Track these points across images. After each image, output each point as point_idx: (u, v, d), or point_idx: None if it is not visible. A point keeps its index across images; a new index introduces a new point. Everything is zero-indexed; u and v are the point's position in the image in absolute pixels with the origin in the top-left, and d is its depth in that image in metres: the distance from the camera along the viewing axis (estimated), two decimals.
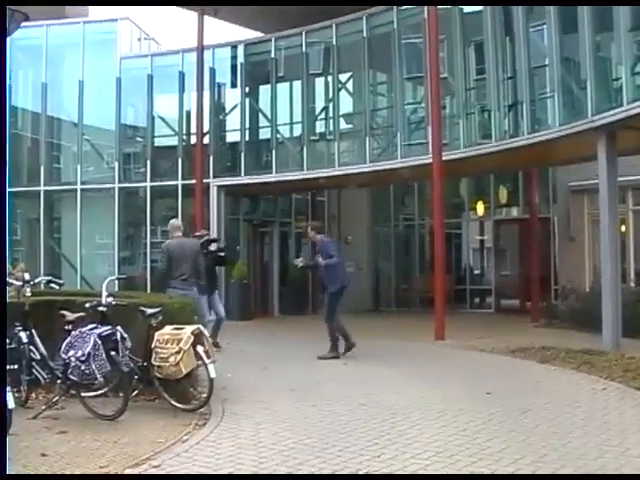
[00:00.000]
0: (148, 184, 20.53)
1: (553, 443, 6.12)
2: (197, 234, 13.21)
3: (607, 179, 12.34)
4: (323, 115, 20.26)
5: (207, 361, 7.38)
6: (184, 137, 21.09)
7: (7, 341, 6.92)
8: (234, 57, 20.74)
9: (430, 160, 14.97)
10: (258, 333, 16.30)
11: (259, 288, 21.19)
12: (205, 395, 7.48)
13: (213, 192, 19.74)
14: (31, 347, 7.37)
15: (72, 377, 7.02)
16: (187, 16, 20.35)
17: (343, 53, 18.96)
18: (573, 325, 15.06)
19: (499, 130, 15.57)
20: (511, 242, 23.25)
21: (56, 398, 7.30)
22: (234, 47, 20.74)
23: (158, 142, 21.57)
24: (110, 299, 7.68)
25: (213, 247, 12.93)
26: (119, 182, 20.66)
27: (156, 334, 7.45)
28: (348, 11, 18.09)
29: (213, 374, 7.32)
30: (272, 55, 19.83)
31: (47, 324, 7.73)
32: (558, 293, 18.59)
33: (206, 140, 20.05)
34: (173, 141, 21.19)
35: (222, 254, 13.51)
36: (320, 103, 20.26)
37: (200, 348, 7.41)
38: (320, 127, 20.51)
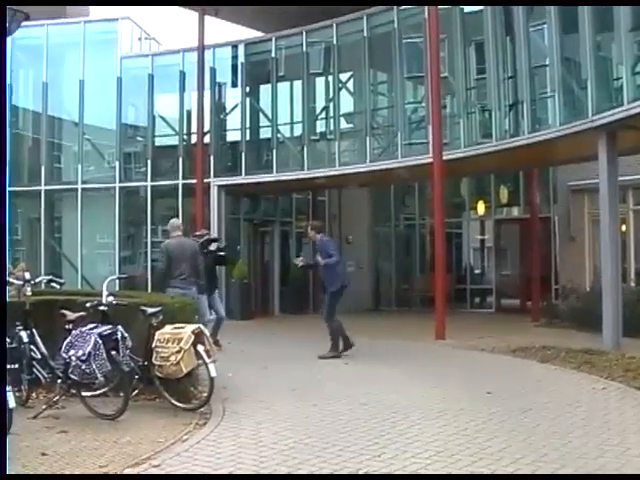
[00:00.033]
0: (149, 183, 20.54)
1: (553, 443, 6.12)
2: (197, 234, 13.22)
3: (607, 179, 12.34)
4: (323, 115, 20.26)
5: (208, 360, 7.38)
6: (185, 137, 21.09)
7: (8, 340, 6.93)
8: (235, 57, 20.73)
9: (431, 160, 14.98)
10: (259, 332, 16.31)
11: (260, 288, 21.19)
12: (206, 394, 7.48)
13: (214, 192, 19.75)
14: (32, 346, 7.37)
15: (73, 376, 7.02)
16: (188, 16, 20.33)
17: (344, 53, 18.95)
18: (573, 325, 15.06)
19: (499, 130, 15.57)
20: (512, 242, 23.25)
21: (56, 397, 7.30)
22: (235, 47, 20.73)
23: (159, 142, 21.59)
24: (111, 298, 7.68)
25: (213, 247, 12.93)
26: (120, 182, 20.67)
27: (157, 333, 7.46)
28: (348, 11, 18.09)
29: (214, 373, 7.32)
30: (273, 55, 19.83)
31: (48, 323, 7.73)
32: (558, 293, 18.60)
33: (207, 140, 20.05)
34: (174, 141, 21.19)
35: (222, 254, 13.51)
36: (320, 103, 20.26)
37: (201, 347, 7.42)
38: (320, 127, 20.50)
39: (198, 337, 7.45)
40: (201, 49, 19.33)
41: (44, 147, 21.20)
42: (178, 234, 11.02)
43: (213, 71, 20.21)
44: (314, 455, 5.80)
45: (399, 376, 9.85)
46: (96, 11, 24.61)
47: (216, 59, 20.29)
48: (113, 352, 7.06)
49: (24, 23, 8.19)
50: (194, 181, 19.36)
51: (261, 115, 20.74)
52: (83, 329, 7.18)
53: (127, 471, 5.35)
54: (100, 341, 7.00)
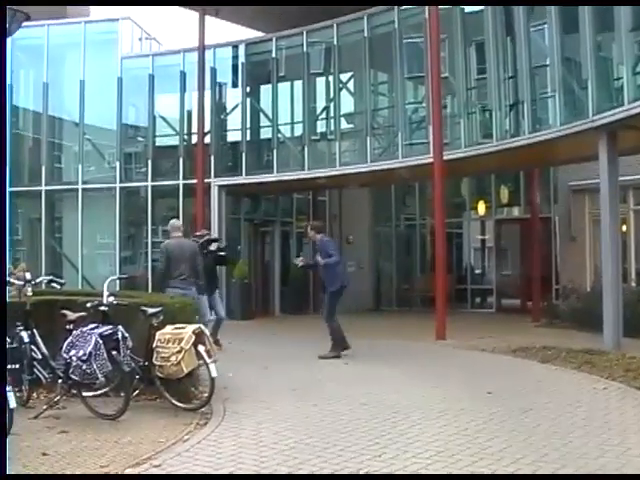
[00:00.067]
0: (149, 184, 20.54)
1: (554, 443, 6.12)
2: (198, 234, 13.21)
3: (608, 179, 12.34)
4: (324, 115, 20.26)
5: (208, 360, 7.38)
6: (185, 137, 21.10)
7: (8, 340, 6.94)
8: (235, 57, 20.73)
9: (431, 160, 14.97)
10: (259, 332, 16.31)
11: (260, 288, 21.20)
12: (206, 394, 7.49)
13: (214, 192, 19.74)
14: (32, 347, 7.37)
15: (73, 377, 7.02)
16: (188, 16, 20.29)
17: (344, 53, 18.95)
18: (574, 325, 15.05)
19: (500, 130, 15.57)
20: (512, 242, 23.25)
21: (57, 398, 7.30)
22: (235, 47, 20.74)
23: (159, 142, 21.60)
24: (111, 299, 7.69)
25: (214, 247, 12.94)
26: (120, 182, 20.67)
27: (157, 334, 7.46)
28: (349, 11, 18.09)
29: (214, 373, 7.32)
30: (273, 55, 19.83)
31: (48, 324, 7.73)
32: (559, 293, 18.61)
33: (207, 140, 20.04)
34: (174, 141, 21.20)
35: (223, 254, 13.51)
36: (321, 103, 20.27)
37: (201, 347, 7.42)
38: (321, 127, 20.51)
39: (199, 337, 7.45)
40: (201, 49, 19.33)
41: (45, 147, 21.21)
42: (178, 235, 11.05)
43: (214, 71, 20.21)
44: (315, 455, 5.80)
45: (400, 376, 9.85)
46: (97, 11, 24.65)
47: (217, 59, 20.30)
48: (114, 352, 7.06)
49: (24, 23, 8.18)
50: (195, 181, 19.36)
51: (262, 115, 20.74)
52: (84, 329, 7.18)
53: (128, 471, 5.35)
54: (101, 341, 7.00)
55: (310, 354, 11.55)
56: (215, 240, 13.55)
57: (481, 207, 22.49)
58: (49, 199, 21.16)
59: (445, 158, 14.77)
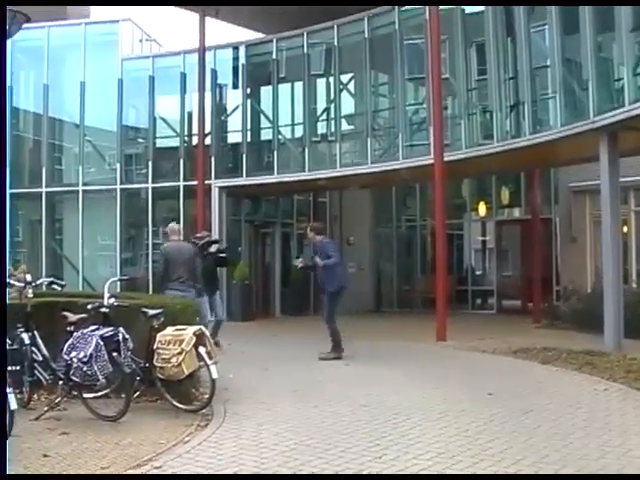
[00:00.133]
0: (150, 185, 20.54)
1: (555, 444, 6.12)
2: (198, 235, 13.22)
3: (609, 180, 12.34)
4: (324, 116, 20.24)
5: (209, 362, 7.38)
6: (186, 138, 21.10)
7: (9, 342, 6.93)
8: (235, 58, 20.74)
9: (432, 161, 14.97)
10: (260, 334, 16.31)
11: (260, 289, 21.20)
12: (207, 396, 7.48)
13: (215, 193, 19.74)
14: (33, 348, 7.37)
15: (74, 378, 7.02)
16: (188, 17, 20.35)
17: (344, 54, 18.95)
18: (575, 326, 15.04)
19: (501, 131, 15.57)
20: (513, 243, 23.25)
21: (58, 399, 7.30)
22: (235, 48, 20.75)
23: (160, 143, 21.61)
24: (112, 300, 7.69)
25: (214, 248, 12.94)
26: (121, 183, 20.68)
27: (158, 335, 7.46)
28: (349, 12, 18.09)
29: (215, 375, 7.32)
30: (273, 56, 19.83)
31: (49, 325, 7.73)
32: (560, 294, 18.58)
33: (208, 141, 20.04)
34: (175, 142, 21.21)
35: (223, 255, 13.52)
36: (321, 104, 20.26)
37: (202, 349, 7.42)
38: (322, 128, 20.50)
39: (199, 339, 7.45)
40: (202, 50, 19.33)
41: (45, 149, 21.22)
42: (176, 238, 11.11)
43: (214, 72, 20.22)
44: (316, 456, 5.80)
45: (400, 377, 9.85)
46: (97, 12, 24.70)
47: (217, 60, 20.31)
48: (114, 354, 7.06)
49: (25, 25, 8.18)
50: (195, 183, 19.36)
51: (262, 116, 20.74)
52: (84, 331, 7.18)
53: (129, 472, 5.35)
54: (101, 343, 7.00)
55: (311, 355, 11.54)
56: (216, 242, 13.56)
57: (482, 208, 22.49)
58: (49, 201, 21.16)
59: (446, 159, 14.77)
